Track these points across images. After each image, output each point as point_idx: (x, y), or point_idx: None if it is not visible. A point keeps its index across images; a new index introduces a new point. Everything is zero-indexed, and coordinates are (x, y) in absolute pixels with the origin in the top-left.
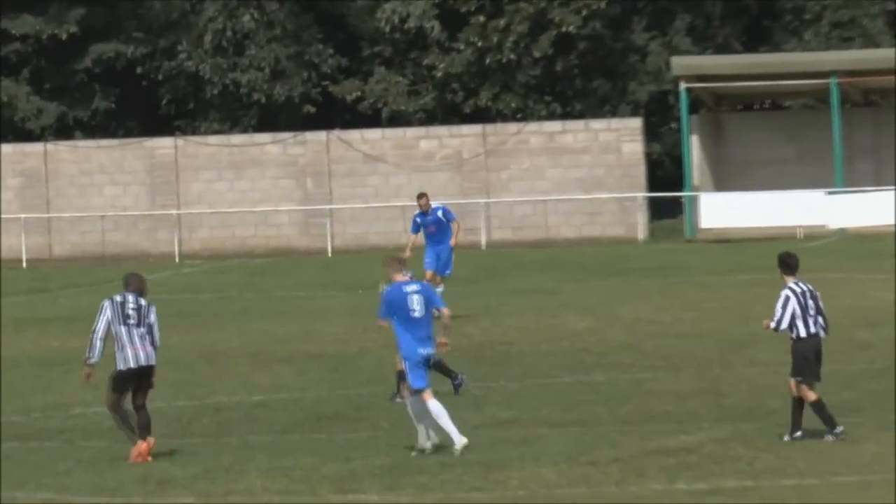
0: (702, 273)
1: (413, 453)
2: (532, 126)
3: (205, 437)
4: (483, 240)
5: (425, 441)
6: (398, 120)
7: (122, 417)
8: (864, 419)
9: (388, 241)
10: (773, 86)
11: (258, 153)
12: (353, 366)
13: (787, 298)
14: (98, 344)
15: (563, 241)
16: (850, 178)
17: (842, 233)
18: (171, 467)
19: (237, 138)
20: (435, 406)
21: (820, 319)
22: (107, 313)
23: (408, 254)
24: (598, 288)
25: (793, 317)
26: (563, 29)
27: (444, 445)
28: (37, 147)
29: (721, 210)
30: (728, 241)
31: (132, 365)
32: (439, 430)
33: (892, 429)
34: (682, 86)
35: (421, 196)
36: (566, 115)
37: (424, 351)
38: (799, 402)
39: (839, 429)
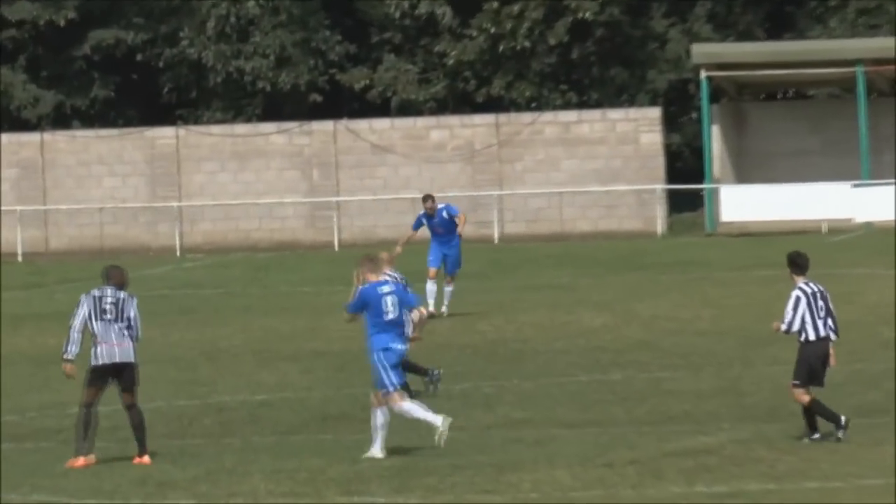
0: (722, 268)
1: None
2: (547, 116)
3: (206, 437)
4: (496, 233)
5: (379, 451)
6: (408, 109)
7: (84, 419)
8: (889, 420)
9: (397, 234)
10: (796, 74)
11: (263, 143)
12: (360, 364)
13: (798, 299)
14: (74, 337)
15: (579, 235)
16: (877, 170)
17: (868, 227)
18: (171, 469)
19: (241, 128)
20: (407, 405)
21: (829, 321)
22: (83, 308)
23: (398, 250)
24: (615, 284)
25: (802, 319)
26: (580, 15)
27: (448, 446)
28: (33, 137)
29: (743, 203)
30: (750, 236)
31: (105, 361)
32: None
33: None
34: (703, 74)
35: (427, 198)
36: (582, 105)
37: (397, 351)
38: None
39: (844, 419)
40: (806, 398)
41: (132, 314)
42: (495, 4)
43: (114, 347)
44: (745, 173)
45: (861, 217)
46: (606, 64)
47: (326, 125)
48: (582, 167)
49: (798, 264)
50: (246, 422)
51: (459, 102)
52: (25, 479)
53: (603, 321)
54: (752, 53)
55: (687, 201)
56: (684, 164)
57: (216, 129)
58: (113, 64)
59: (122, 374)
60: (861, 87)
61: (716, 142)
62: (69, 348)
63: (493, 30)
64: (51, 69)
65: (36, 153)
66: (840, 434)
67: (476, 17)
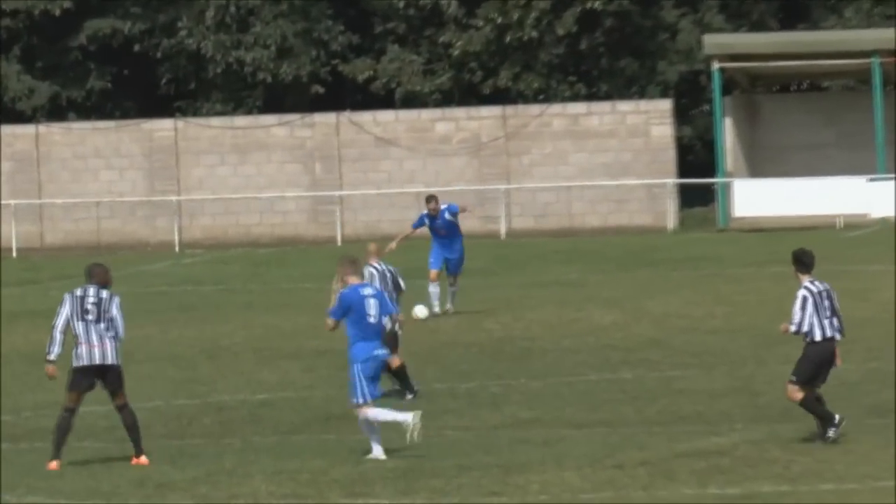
0: (735, 264)
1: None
2: (555, 108)
3: (206, 437)
4: (503, 229)
5: (381, 453)
6: (412, 101)
7: (61, 423)
8: None
9: (402, 229)
10: (811, 66)
11: (263, 136)
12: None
13: (805, 299)
14: (56, 338)
15: (588, 231)
16: (893, 164)
17: (884, 222)
18: (170, 470)
19: (241, 120)
20: (373, 412)
21: (835, 321)
22: (65, 307)
23: (392, 246)
24: (625, 280)
25: (810, 318)
26: (589, 5)
27: (454, 447)
28: (28, 129)
29: (756, 198)
30: (763, 231)
31: (85, 362)
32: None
33: None
34: (715, 65)
35: (430, 199)
36: (591, 97)
37: (379, 352)
38: (816, 399)
39: (838, 417)
40: (799, 395)
41: (114, 314)
42: None
43: (94, 349)
44: (757, 167)
45: (877, 212)
46: (616, 55)
47: (329, 117)
48: (591, 161)
49: (804, 263)
50: (246, 421)
51: (465, 94)
52: (21, 479)
53: (613, 319)
54: (765, 44)
55: (698, 196)
56: (696, 157)
57: (216, 121)
58: (109, 54)
59: (105, 376)
60: (877, 79)
61: (728, 135)
62: (51, 349)
63: (499, 20)
64: (46, 60)
65: (31, 146)
66: (831, 433)
67: (482, 6)
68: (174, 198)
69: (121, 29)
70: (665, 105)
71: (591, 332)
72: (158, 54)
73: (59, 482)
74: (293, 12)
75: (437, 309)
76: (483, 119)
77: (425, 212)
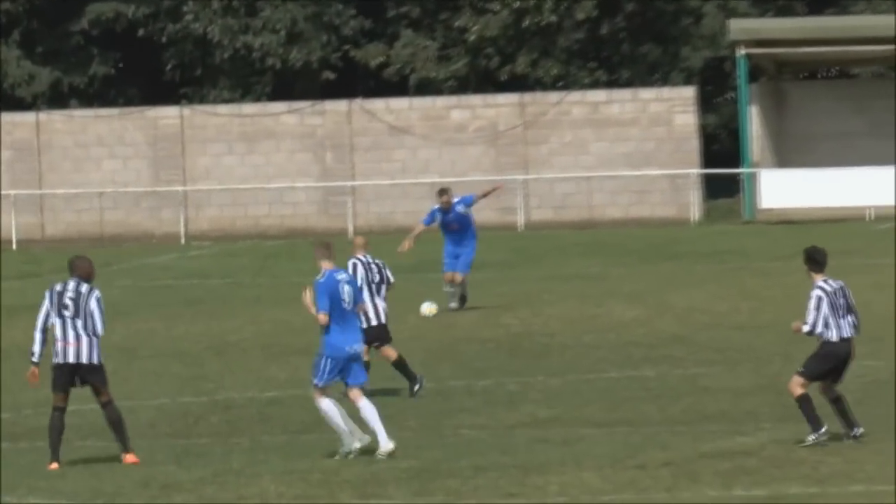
0: (761, 258)
1: (338, 456)
2: (574, 95)
3: (213, 436)
4: (520, 220)
5: (352, 442)
6: (427, 88)
7: (53, 423)
8: None
9: (416, 221)
10: (839, 52)
11: (272, 124)
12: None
13: (820, 299)
14: (36, 337)
15: (609, 223)
16: None
17: None
18: (175, 470)
19: (249, 107)
20: (326, 405)
21: (850, 318)
22: (45, 304)
23: (408, 246)
24: (648, 274)
25: (825, 319)
26: None
27: (470, 447)
28: (28, 116)
29: (782, 188)
30: (790, 223)
31: (61, 360)
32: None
33: None
34: (741, 51)
35: (443, 192)
36: (612, 84)
37: (351, 348)
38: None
39: (824, 428)
40: (798, 391)
41: (92, 309)
42: None
43: (69, 346)
44: (785, 157)
45: None
46: (638, 40)
47: (340, 105)
48: (612, 150)
49: (816, 261)
50: (255, 420)
51: (482, 81)
52: (22, 479)
53: (635, 314)
54: (792, 29)
55: (723, 187)
56: (721, 146)
57: (223, 108)
58: (113, 39)
59: (81, 375)
60: None
61: (754, 123)
62: (32, 349)
63: (517, 4)
64: (47, 45)
65: (31, 134)
66: (811, 438)
67: None
68: (180, 188)
69: (124, 13)
70: (689, 92)
71: (612, 328)
72: (163, 39)
73: (60, 482)
74: None
75: (452, 304)
76: (500, 107)
77: (436, 206)
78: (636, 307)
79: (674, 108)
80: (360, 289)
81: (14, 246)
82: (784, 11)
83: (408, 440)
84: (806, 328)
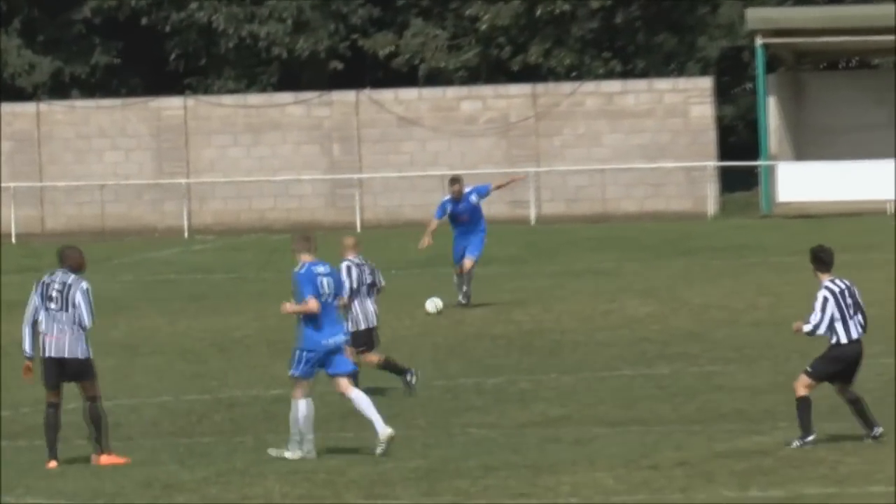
0: (779, 253)
1: (273, 451)
2: (588, 86)
3: (217, 435)
4: (532, 214)
5: (295, 450)
6: (437, 78)
7: (48, 420)
8: None
9: (425, 214)
10: (860, 42)
11: (278, 115)
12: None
13: (826, 300)
14: (25, 332)
15: (623, 216)
16: None
17: None
18: (178, 470)
19: (255, 98)
20: (301, 406)
21: (859, 317)
22: (33, 296)
23: (426, 242)
24: (663, 269)
25: (832, 320)
26: None
27: (479, 446)
28: (28, 107)
29: (801, 181)
30: (809, 217)
31: (46, 354)
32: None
33: None
34: (759, 41)
35: (454, 181)
36: (627, 74)
37: (331, 341)
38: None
39: (812, 437)
40: (803, 392)
41: (78, 301)
42: None
43: (53, 340)
44: (803, 149)
45: None
46: (653, 29)
47: (348, 95)
48: (626, 142)
49: (823, 261)
50: (260, 418)
51: (493, 71)
52: (20, 479)
53: (649, 310)
54: (812, 18)
55: (741, 179)
56: (738, 138)
57: (228, 99)
58: (115, 28)
59: (65, 369)
60: None
61: (772, 115)
62: (23, 344)
63: None
64: (48, 33)
65: (31, 125)
66: (796, 443)
67: None
68: (183, 180)
69: (127, 1)
70: (705, 83)
71: (625, 325)
72: (167, 28)
73: (60, 482)
74: None
75: (461, 299)
76: (512, 98)
77: (447, 197)
78: (650, 303)
79: (690, 100)
80: (356, 291)
81: (14, 239)
82: (803, 0)
83: (416, 439)
84: (807, 328)
